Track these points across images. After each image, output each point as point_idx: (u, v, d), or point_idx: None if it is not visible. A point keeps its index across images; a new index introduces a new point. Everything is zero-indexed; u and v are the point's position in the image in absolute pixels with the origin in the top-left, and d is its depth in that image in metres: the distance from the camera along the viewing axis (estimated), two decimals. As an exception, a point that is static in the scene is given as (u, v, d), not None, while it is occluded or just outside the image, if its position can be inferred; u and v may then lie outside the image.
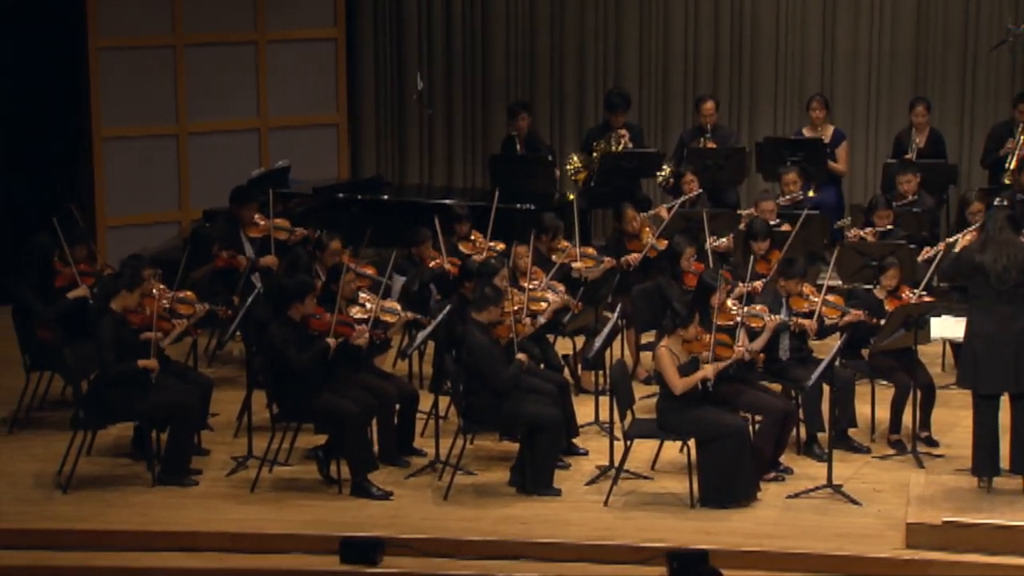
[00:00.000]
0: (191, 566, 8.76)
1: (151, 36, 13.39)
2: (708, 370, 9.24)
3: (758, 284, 10.51)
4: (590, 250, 11.32)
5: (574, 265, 10.95)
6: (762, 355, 9.68)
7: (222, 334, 10.46)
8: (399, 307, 10.10)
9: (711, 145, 12.86)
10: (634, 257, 11.20)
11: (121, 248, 12.69)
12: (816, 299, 9.95)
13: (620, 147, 12.90)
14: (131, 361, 9.37)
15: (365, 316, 9.88)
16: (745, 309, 9.76)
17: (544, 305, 10.20)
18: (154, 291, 9.90)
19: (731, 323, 9.66)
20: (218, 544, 8.90)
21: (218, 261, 11.12)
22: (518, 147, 13.15)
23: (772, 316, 9.79)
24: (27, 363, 10.36)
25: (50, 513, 9.16)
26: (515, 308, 9.86)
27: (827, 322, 10.03)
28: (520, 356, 9.46)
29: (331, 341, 9.41)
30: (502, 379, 9.31)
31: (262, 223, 11.40)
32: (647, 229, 11.42)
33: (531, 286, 10.33)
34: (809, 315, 9.93)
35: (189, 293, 10.23)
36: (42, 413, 10.55)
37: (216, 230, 11.52)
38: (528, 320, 9.94)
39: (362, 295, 10.08)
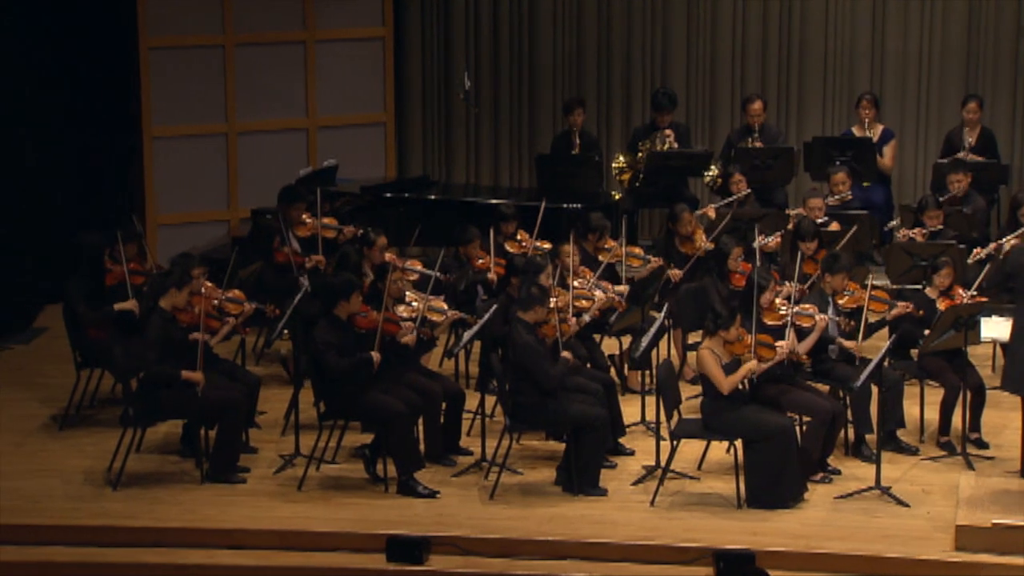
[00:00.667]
0: (238, 563, 8.81)
1: (201, 36, 13.48)
2: (753, 363, 9.19)
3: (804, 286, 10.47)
4: (637, 250, 11.29)
5: (612, 294, 10.72)
6: (806, 357, 9.64)
7: (270, 332, 10.52)
8: (446, 306, 10.11)
9: (758, 145, 12.81)
10: (675, 274, 11.12)
11: (170, 246, 12.78)
12: (861, 295, 9.89)
13: (665, 147, 12.87)
14: (175, 368, 9.40)
15: (412, 315, 9.90)
16: (795, 308, 9.71)
17: (589, 303, 10.19)
18: (203, 289, 9.96)
19: (780, 323, 9.62)
20: (265, 542, 8.95)
21: (278, 256, 11.19)
22: (576, 142, 13.15)
23: (821, 316, 9.73)
24: (78, 360, 10.46)
25: (100, 510, 9.24)
26: (560, 306, 9.85)
27: (873, 318, 9.96)
28: (565, 354, 9.45)
29: (375, 355, 9.41)
30: (550, 377, 9.30)
31: (310, 222, 11.45)
32: (700, 231, 11.38)
33: (578, 284, 10.29)
34: (856, 312, 9.86)
35: (238, 292, 10.28)
36: (92, 410, 10.64)
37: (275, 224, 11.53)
38: (573, 319, 9.93)
39: (409, 294, 10.10)
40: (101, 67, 12.99)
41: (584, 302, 10.18)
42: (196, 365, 9.45)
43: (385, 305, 9.71)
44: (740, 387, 9.27)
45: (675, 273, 11.12)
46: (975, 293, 10.07)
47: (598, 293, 10.34)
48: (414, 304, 9.99)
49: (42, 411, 10.73)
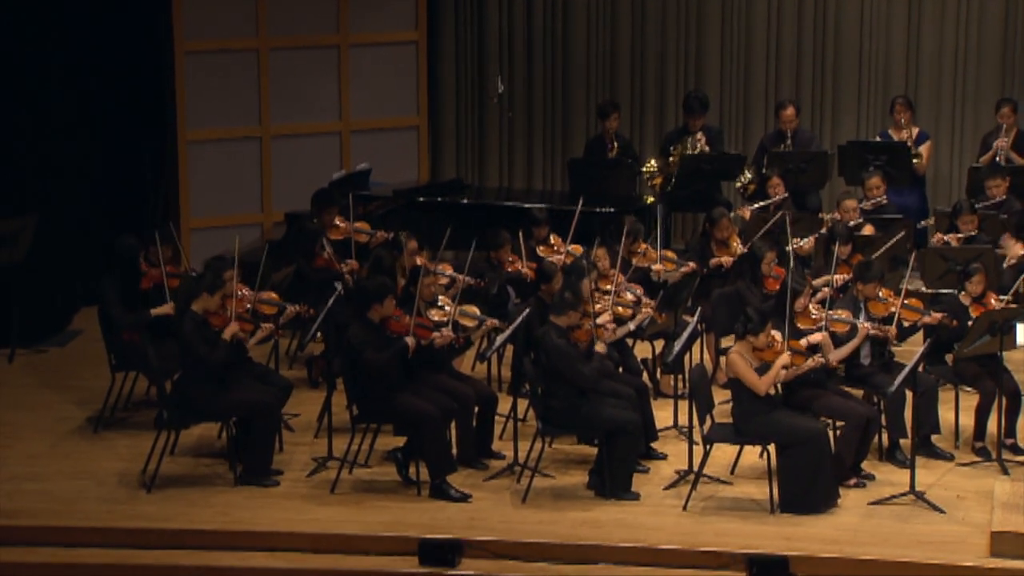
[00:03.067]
0: (271, 566, 8.84)
1: (235, 40, 13.53)
2: (786, 356, 9.15)
3: (839, 278, 10.44)
4: (670, 254, 11.28)
5: (654, 267, 10.91)
6: (837, 363, 9.59)
7: (303, 335, 10.55)
8: (477, 311, 10.11)
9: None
10: (727, 259, 11.11)
11: (204, 249, 12.83)
12: (894, 303, 9.85)
13: (696, 151, 12.85)
14: (221, 342, 9.44)
15: (444, 318, 9.91)
16: (828, 315, 9.66)
17: (629, 311, 10.15)
18: (237, 291, 10.00)
19: (814, 328, 9.57)
20: (298, 544, 8.97)
21: (318, 260, 11.22)
22: (613, 146, 13.14)
23: (864, 323, 9.68)
24: (112, 363, 10.51)
25: (134, 512, 9.28)
26: (598, 310, 9.83)
27: (906, 324, 9.92)
28: (599, 347, 9.39)
29: (410, 340, 9.44)
30: (585, 376, 9.29)
31: (343, 226, 11.48)
32: (735, 236, 11.36)
33: (612, 288, 10.25)
34: (888, 319, 9.83)
35: (272, 294, 10.31)
36: (127, 413, 10.69)
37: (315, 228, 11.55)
38: (612, 326, 9.89)
39: (441, 298, 10.11)
40: (136, 71, 13.06)
41: (622, 309, 10.13)
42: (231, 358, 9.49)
43: (418, 309, 9.73)
44: (773, 391, 9.24)
45: (726, 260, 11.09)
46: (1010, 299, 10.01)
47: (628, 295, 10.34)
48: (446, 308, 9.99)
49: (77, 413, 10.79)
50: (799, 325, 9.53)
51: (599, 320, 9.75)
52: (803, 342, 9.31)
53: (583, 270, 10.08)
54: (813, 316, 9.65)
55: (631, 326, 10.08)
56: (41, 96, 12.30)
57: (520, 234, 11.15)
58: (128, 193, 13.08)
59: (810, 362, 9.26)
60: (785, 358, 9.15)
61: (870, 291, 9.89)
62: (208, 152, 13.53)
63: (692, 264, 11.09)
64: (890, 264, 10.99)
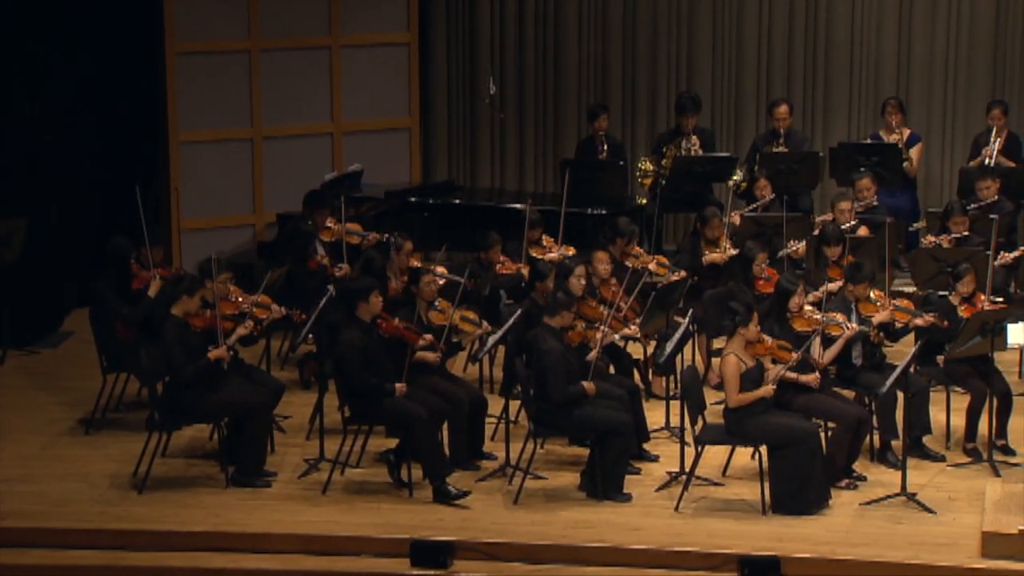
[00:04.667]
0: (263, 567, 8.84)
1: (227, 41, 13.53)
2: (769, 389, 9.17)
3: (833, 286, 10.45)
4: (662, 258, 11.28)
5: (631, 326, 10.68)
6: (831, 367, 9.60)
7: (295, 337, 10.55)
8: (477, 316, 10.09)
9: (783, 150, 12.78)
10: (720, 257, 11.13)
11: (196, 251, 12.83)
12: (885, 303, 9.85)
13: (690, 153, 12.85)
14: (202, 359, 9.44)
15: (444, 322, 9.91)
16: (824, 316, 9.66)
17: (619, 325, 10.14)
18: (230, 295, 9.98)
19: (810, 329, 9.57)
20: (290, 545, 8.97)
21: (312, 263, 11.21)
22: (604, 147, 13.14)
23: (851, 325, 9.69)
24: (104, 365, 10.50)
25: (125, 514, 9.27)
26: (593, 316, 9.82)
27: (898, 326, 9.94)
28: (588, 386, 9.40)
29: (400, 387, 9.42)
30: (562, 393, 9.27)
31: (334, 228, 11.47)
32: (724, 237, 11.38)
33: (614, 299, 10.21)
34: (883, 325, 9.84)
35: (265, 297, 10.30)
36: (118, 414, 10.68)
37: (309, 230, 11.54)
38: (606, 328, 9.86)
39: (439, 301, 10.09)
40: (128, 72, 13.05)
41: (618, 315, 10.10)
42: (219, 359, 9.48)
43: (419, 314, 9.74)
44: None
45: (719, 257, 11.09)
46: (999, 299, 10.02)
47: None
48: (445, 312, 9.97)
49: (68, 415, 10.78)
50: (794, 326, 9.54)
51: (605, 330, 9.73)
52: (794, 375, 9.34)
53: (569, 268, 10.07)
54: (807, 316, 9.65)
55: (616, 336, 10.05)
56: (32, 97, 12.28)
57: (526, 236, 11.15)
58: (120, 195, 13.05)
59: (806, 379, 9.26)
60: (768, 391, 9.16)
61: (860, 292, 9.90)
62: (200, 153, 13.52)
63: (682, 272, 11.08)
64: (881, 265, 10.99)
